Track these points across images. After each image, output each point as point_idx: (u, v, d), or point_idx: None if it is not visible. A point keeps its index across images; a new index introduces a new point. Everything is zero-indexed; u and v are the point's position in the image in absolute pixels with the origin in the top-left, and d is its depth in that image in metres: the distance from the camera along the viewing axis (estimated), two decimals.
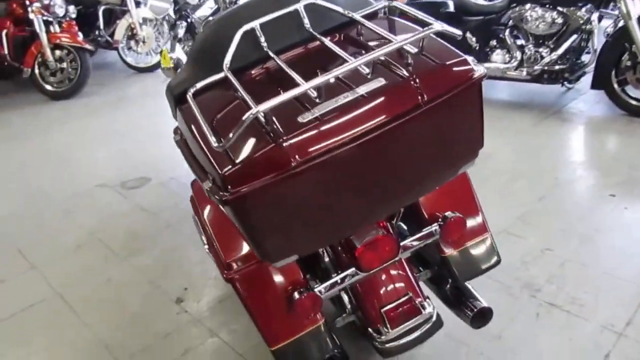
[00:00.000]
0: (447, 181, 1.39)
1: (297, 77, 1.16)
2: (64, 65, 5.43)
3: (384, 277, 1.53)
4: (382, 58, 1.23)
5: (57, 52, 5.40)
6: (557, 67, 3.78)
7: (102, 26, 6.06)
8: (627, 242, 2.40)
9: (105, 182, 3.60)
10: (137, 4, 5.82)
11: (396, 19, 1.46)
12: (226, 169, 1.09)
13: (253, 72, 1.39)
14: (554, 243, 2.43)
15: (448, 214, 1.51)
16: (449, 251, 1.59)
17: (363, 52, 1.15)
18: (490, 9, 4.03)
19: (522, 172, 3.08)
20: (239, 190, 1.08)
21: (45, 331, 2.30)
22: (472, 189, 1.64)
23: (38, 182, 3.76)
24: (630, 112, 3.59)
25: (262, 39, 1.36)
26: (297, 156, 1.09)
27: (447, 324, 1.67)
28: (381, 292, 1.52)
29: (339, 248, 1.51)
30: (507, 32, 3.95)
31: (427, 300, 1.55)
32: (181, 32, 4.56)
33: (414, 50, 1.17)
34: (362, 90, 1.17)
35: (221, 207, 1.17)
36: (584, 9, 3.63)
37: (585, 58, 3.82)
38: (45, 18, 5.27)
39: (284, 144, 1.09)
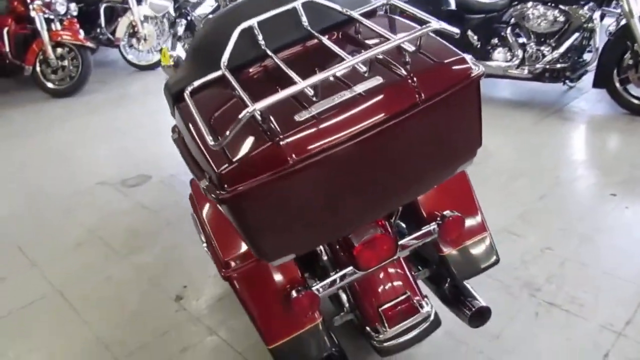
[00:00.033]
0: (445, 180, 1.39)
1: (294, 76, 1.15)
2: (65, 63, 5.43)
3: (382, 275, 1.53)
4: (380, 56, 1.23)
5: (59, 50, 5.39)
6: (558, 65, 3.76)
7: (103, 24, 6.05)
8: (627, 242, 2.39)
9: (105, 179, 3.60)
10: (139, 2, 5.81)
11: (395, 17, 1.45)
12: (223, 168, 1.09)
13: (251, 70, 1.39)
14: (554, 242, 2.43)
15: (447, 212, 1.50)
16: (448, 250, 1.59)
17: (361, 50, 1.14)
18: (492, 7, 4.01)
19: (523, 171, 3.07)
20: (236, 189, 1.07)
21: (45, 328, 2.31)
22: (471, 188, 1.63)
23: (39, 180, 3.77)
24: (632, 110, 3.58)
25: (260, 37, 1.36)
26: (293, 155, 1.08)
27: (446, 322, 1.67)
28: (379, 290, 1.52)
29: (337, 247, 1.51)
30: (508, 30, 3.93)
31: (425, 299, 1.55)
32: (181, 30, 4.55)
33: (411, 48, 1.16)
34: (360, 88, 1.16)
35: (218, 205, 1.17)
36: (586, 7, 3.62)
37: (587, 56, 3.80)
38: (46, 16, 5.25)
39: (281, 143, 1.09)
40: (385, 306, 1.50)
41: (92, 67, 5.55)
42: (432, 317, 1.52)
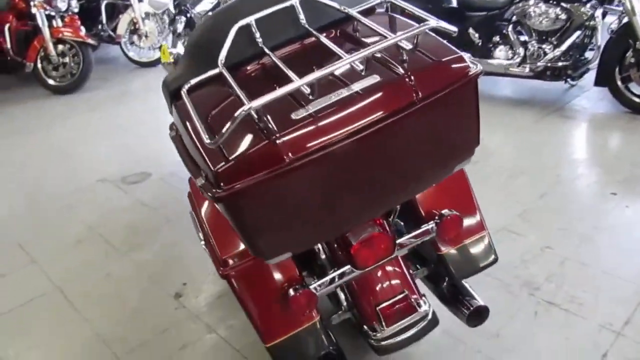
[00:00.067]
0: (443, 179, 1.38)
1: (291, 74, 1.15)
2: (67, 59, 5.43)
3: (379, 274, 1.53)
4: (378, 55, 1.23)
5: (60, 47, 5.39)
6: (560, 63, 3.75)
7: (104, 21, 6.06)
8: (627, 241, 2.39)
9: (106, 177, 3.60)
10: None
11: (394, 15, 1.45)
12: (219, 166, 1.09)
13: (248, 68, 1.39)
14: (554, 241, 2.42)
15: (445, 211, 1.50)
16: (446, 249, 1.59)
17: (359, 48, 1.14)
18: (494, 5, 4.00)
19: (524, 170, 3.06)
20: (232, 187, 1.07)
21: (45, 326, 2.31)
22: (469, 187, 1.63)
23: (39, 177, 3.77)
24: (633, 109, 3.57)
25: (258, 35, 1.35)
26: (290, 153, 1.08)
27: (444, 321, 1.67)
28: (377, 289, 1.52)
29: (335, 245, 1.51)
30: (510, 28, 3.92)
31: (423, 298, 1.54)
32: (180, 27, 4.55)
33: (409, 46, 1.16)
34: (357, 87, 1.16)
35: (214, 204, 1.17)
36: (588, 5, 3.60)
37: (588, 55, 3.79)
38: (47, 12, 5.25)
39: (278, 141, 1.09)
40: (383, 305, 1.50)
41: (93, 64, 5.55)
42: (429, 316, 1.52)
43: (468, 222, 1.59)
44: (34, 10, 5.22)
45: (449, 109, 1.20)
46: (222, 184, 1.08)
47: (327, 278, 1.44)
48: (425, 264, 1.72)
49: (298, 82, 1.07)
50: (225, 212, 1.14)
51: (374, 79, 1.16)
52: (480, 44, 4.06)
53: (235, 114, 1.03)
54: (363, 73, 1.16)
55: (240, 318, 2.15)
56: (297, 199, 1.15)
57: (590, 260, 2.28)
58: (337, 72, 1.17)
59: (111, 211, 3.18)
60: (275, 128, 1.11)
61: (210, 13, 2.65)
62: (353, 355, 1.77)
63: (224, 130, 1.05)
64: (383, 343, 1.50)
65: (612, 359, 1.82)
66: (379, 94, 1.14)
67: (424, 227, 1.51)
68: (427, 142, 1.22)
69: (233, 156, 1.09)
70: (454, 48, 1.22)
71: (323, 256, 1.60)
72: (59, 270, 2.66)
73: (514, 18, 3.91)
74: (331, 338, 1.52)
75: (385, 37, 1.17)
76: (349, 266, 1.43)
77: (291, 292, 1.40)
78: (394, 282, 1.53)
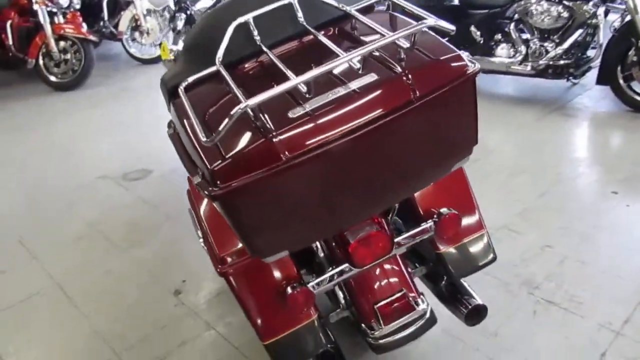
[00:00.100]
0: (440, 178, 1.38)
1: (287, 72, 1.15)
2: (68, 56, 5.44)
3: (378, 272, 1.53)
4: (377, 53, 1.22)
5: (61, 43, 5.40)
6: (562, 61, 3.74)
7: (106, 17, 6.06)
8: (628, 240, 2.38)
9: (107, 173, 3.60)
10: None
11: (393, 13, 1.44)
12: (215, 164, 1.09)
13: (246, 66, 1.38)
14: (554, 240, 2.41)
15: (443, 210, 1.50)
16: (444, 248, 1.59)
17: (356, 46, 1.13)
18: (496, 3, 3.98)
19: (524, 168, 3.05)
20: (228, 186, 1.07)
21: (45, 322, 2.32)
22: (468, 186, 1.63)
23: (41, 174, 3.78)
24: (635, 108, 3.56)
25: (255, 33, 1.35)
26: (287, 151, 1.08)
27: (443, 319, 1.67)
28: (375, 287, 1.52)
29: (333, 243, 1.51)
30: (512, 26, 3.90)
31: (422, 296, 1.54)
32: (180, 24, 4.54)
33: (406, 45, 1.15)
34: (354, 85, 1.15)
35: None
36: (590, 3, 3.59)
37: (590, 53, 3.77)
38: (49, 9, 5.26)
39: (274, 139, 1.09)
40: (381, 303, 1.49)
41: (95, 61, 5.56)
42: (427, 315, 1.52)
43: (467, 220, 1.58)
44: (35, 6, 5.23)
45: (447, 107, 1.19)
46: (218, 182, 1.08)
47: (325, 276, 1.44)
48: (423, 262, 1.72)
49: (294, 81, 1.07)
50: (222, 211, 1.14)
51: (372, 77, 1.16)
52: (482, 41, 4.04)
53: (232, 112, 1.02)
54: (360, 71, 1.16)
55: (239, 315, 2.15)
56: (294, 198, 1.14)
57: (590, 259, 2.28)
58: (334, 71, 1.16)
59: (112, 208, 3.18)
60: (272, 126, 1.11)
61: (210, 11, 2.64)
62: (351, 353, 1.77)
63: (220, 128, 1.05)
64: (381, 341, 1.49)
65: (611, 358, 1.82)
66: (377, 93, 1.14)
67: (423, 226, 1.50)
68: (424, 141, 1.22)
69: (230, 154, 1.09)
70: (452, 47, 1.22)
71: (321, 254, 1.60)
72: (59, 267, 2.66)
73: (516, 16, 3.90)
74: (329, 336, 1.52)
75: (383, 36, 1.17)
76: (346, 264, 1.43)
77: (289, 290, 1.40)
78: (392, 280, 1.53)
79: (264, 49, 1.33)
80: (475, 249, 1.61)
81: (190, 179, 1.73)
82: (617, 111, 3.64)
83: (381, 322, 1.48)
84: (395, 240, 1.46)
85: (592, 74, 3.73)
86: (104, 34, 6.15)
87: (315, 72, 1.06)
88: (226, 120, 1.04)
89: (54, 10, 5.30)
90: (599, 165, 3.07)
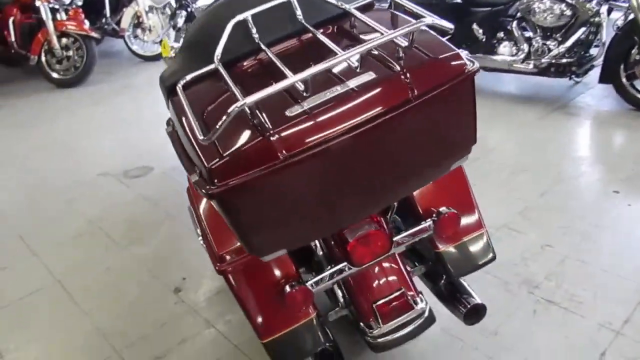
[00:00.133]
0: (438, 177, 1.38)
1: (285, 70, 1.14)
2: (70, 53, 5.44)
3: (376, 271, 1.53)
4: (375, 52, 1.22)
5: (64, 40, 5.40)
6: (564, 60, 3.72)
7: (108, 14, 6.06)
8: (629, 240, 2.37)
9: (108, 170, 3.61)
10: None
11: (393, 11, 1.43)
12: (212, 162, 1.08)
13: (245, 64, 1.38)
14: (554, 239, 2.41)
15: (442, 209, 1.49)
16: (444, 247, 1.58)
17: (355, 44, 1.13)
18: (498, 0, 3.96)
19: (525, 166, 3.05)
20: (225, 184, 1.07)
21: (45, 318, 2.33)
22: (468, 185, 1.62)
23: (42, 170, 3.78)
24: (638, 107, 3.54)
25: (254, 31, 1.35)
26: (284, 150, 1.08)
27: (442, 318, 1.67)
28: (374, 286, 1.52)
29: (332, 242, 1.50)
30: (514, 24, 3.88)
31: (420, 295, 1.54)
32: (181, 21, 4.54)
33: (404, 43, 1.14)
34: (352, 83, 1.15)
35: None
36: (593, 1, 3.57)
37: (593, 51, 3.76)
38: (51, 5, 5.26)
39: (271, 138, 1.08)
40: (380, 302, 1.49)
41: (97, 58, 5.56)
42: (426, 314, 1.51)
43: (466, 219, 1.58)
44: (38, 3, 5.23)
45: (446, 106, 1.19)
46: (215, 181, 1.07)
47: (324, 275, 1.44)
48: (423, 261, 1.72)
49: (292, 79, 1.06)
50: (219, 209, 1.14)
51: (370, 76, 1.16)
52: (484, 39, 4.03)
53: (229, 110, 1.02)
54: (358, 70, 1.15)
55: (239, 313, 2.13)
56: (291, 196, 1.14)
57: (591, 258, 2.27)
58: (332, 69, 1.16)
59: (112, 205, 3.18)
60: (270, 124, 1.10)
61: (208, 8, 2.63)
62: (350, 352, 1.78)
63: (217, 126, 1.05)
64: (379, 340, 1.49)
65: (611, 358, 1.81)
66: (374, 91, 1.14)
67: (422, 225, 1.50)
68: (423, 140, 1.22)
69: (227, 153, 1.08)
70: (451, 45, 1.21)
71: (320, 253, 1.59)
72: (59, 264, 2.67)
73: (519, 14, 3.88)
74: (328, 334, 1.52)
75: (382, 34, 1.16)
76: (345, 263, 1.43)
77: (287, 288, 1.40)
78: (390, 279, 1.53)
79: (263, 47, 1.33)
80: (474, 248, 1.60)
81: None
82: (619, 110, 3.62)
83: (380, 320, 1.48)
84: (394, 239, 1.46)
85: (595, 73, 3.71)
86: (106, 31, 6.15)
87: (312, 70, 1.06)
88: (223, 118, 1.03)
89: (56, 6, 5.30)
90: (600, 164, 3.06)
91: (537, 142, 3.35)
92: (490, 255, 1.62)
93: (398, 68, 1.16)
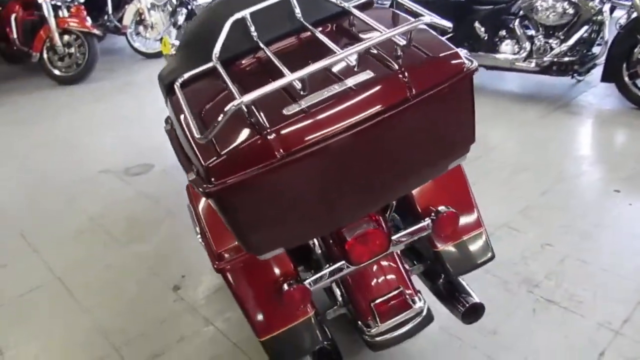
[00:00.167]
0: (437, 176, 1.37)
1: (283, 68, 1.14)
2: (72, 50, 5.44)
3: (375, 270, 1.53)
4: (374, 50, 1.21)
5: (66, 37, 5.41)
6: (566, 58, 3.71)
7: (110, 11, 6.07)
8: (629, 239, 2.36)
9: (109, 168, 3.61)
10: None
11: (391, 10, 1.43)
12: (209, 161, 1.08)
13: (243, 62, 1.38)
14: (554, 238, 2.40)
15: (441, 208, 1.49)
16: (442, 246, 1.58)
17: (353, 43, 1.12)
18: None
19: (526, 165, 3.04)
20: (222, 183, 1.07)
21: (45, 315, 2.33)
22: (467, 183, 1.62)
23: (43, 167, 3.79)
24: None
25: (253, 29, 1.34)
26: (281, 149, 1.07)
27: (441, 317, 1.67)
28: (372, 285, 1.52)
29: (330, 240, 1.50)
30: (516, 22, 3.87)
31: (418, 294, 1.54)
32: (181, 19, 4.53)
33: (402, 42, 1.14)
34: (350, 82, 1.15)
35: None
36: (596, 0, 3.56)
37: (596, 50, 3.74)
38: (53, 2, 5.27)
39: (268, 136, 1.08)
40: (378, 301, 1.49)
41: (99, 55, 5.56)
42: (424, 313, 1.51)
43: (465, 218, 1.58)
44: (40, 0, 5.22)
45: (444, 105, 1.18)
46: (212, 179, 1.07)
47: (322, 273, 1.44)
48: (421, 260, 1.71)
49: (289, 77, 1.06)
50: (216, 207, 1.14)
51: (368, 74, 1.15)
52: (486, 38, 4.01)
53: (225, 109, 1.02)
54: (356, 68, 1.15)
55: (238, 311, 2.11)
56: (288, 195, 1.14)
57: (591, 258, 2.27)
58: (330, 68, 1.16)
59: (113, 202, 3.19)
60: (267, 123, 1.10)
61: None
62: (349, 350, 1.77)
63: (214, 124, 1.04)
64: (377, 339, 1.49)
65: (610, 358, 1.81)
66: (372, 90, 1.13)
67: (420, 224, 1.50)
68: (421, 139, 1.21)
69: (224, 151, 1.08)
70: (449, 44, 1.21)
71: (319, 251, 1.59)
72: (59, 261, 2.67)
73: (521, 12, 3.86)
74: (326, 333, 1.52)
75: (380, 32, 1.16)
76: (343, 262, 1.43)
77: (285, 286, 1.40)
78: (389, 278, 1.53)
79: (261, 45, 1.33)
80: (473, 247, 1.60)
81: None
82: (622, 109, 3.61)
83: (377, 319, 1.48)
84: (393, 237, 1.45)
85: (597, 71, 3.69)
86: (108, 28, 6.15)
87: (309, 69, 1.05)
88: (220, 116, 1.03)
89: (58, 3, 5.31)
90: (602, 163, 3.05)
91: (538, 140, 3.34)
92: (489, 254, 1.62)
93: (396, 67, 1.16)
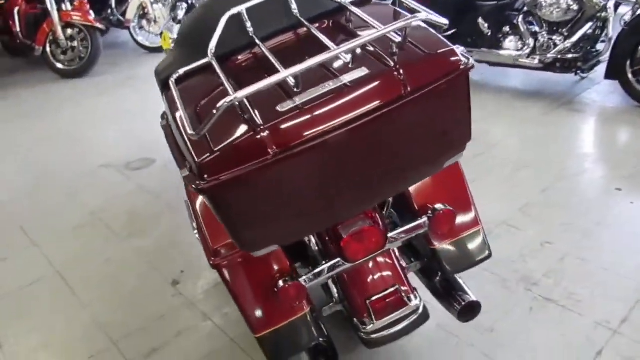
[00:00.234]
0: (432, 174, 1.36)
1: (278, 65, 1.13)
2: (75, 43, 5.45)
3: (371, 267, 1.52)
4: (370, 47, 1.20)
5: (69, 31, 5.41)
6: (570, 55, 3.69)
7: (113, 5, 6.06)
8: (630, 238, 2.35)
9: (111, 162, 3.62)
10: None
11: (389, 6, 1.42)
12: (202, 157, 1.08)
13: (239, 58, 1.37)
14: (554, 237, 2.39)
15: (438, 206, 1.48)
16: (439, 243, 1.57)
17: (350, 39, 1.11)
18: None
19: (528, 163, 3.02)
20: (215, 179, 1.06)
21: (45, 309, 2.34)
22: (464, 181, 1.61)
23: (46, 161, 3.80)
24: None
25: (249, 25, 1.34)
26: (274, 146, 1.07)
27: (438, 314, 1.66)
28: (368, 282, 1.51)
29: (326, 237, 1.50)
30: (520, 18, 3.85)
31: (415, 292, 1.53)
32: (181, 13, 4.53)
33: (397, 39, 1.13)
34: (345, 79, 1.14)
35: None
36: None
37: (600, 47, 3.71)
38: None
39: (262, 133, 1.07)
40: (373, 298, 1.48)
41: (102, 49, 5.57)
42: (420, 310, 1.50)
43: (462, 216, 1.57)
44: None
45: (439, 103, 1.17)
46: (205, 176, 1.07)
47: (317, 270, 1.44)
48: (418, 257, 1.71)
49: (283, 74, 1.05)
50: (209, 204, 1.13)
51: (363, 71, 1.14)
52: (489, 34, 3.99)
53: (218, 105, 1.01)
54: (351, 65, 1.14)
55: (235, 307, 2.13)
56: (282, 192, 1.13)
57: (591, 256, 2.26)
58: (325, 64, 1.15)
59: (114, 197, 3.19)
60: (261, 120, 1.09)
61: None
62: (345, 347, 1.77)
63: (207, 121, 1.04)
64: (372, 336, 1.49)
65: (607, 357, 1.80)
66: (367, 87, 1.12)
67: (417, 222, 1.49)
68: (416, 137, 1.20)
69: (217, 148, 1.08)
70: (446, 41, 1.19)
71: (315, 248, 1.59)
72: (59, 255, 2.68)
73: (525, 8, 3.84)
74: (322, 330, 1.52)
75: (376, 29, 1.15)
76: (339, 259, 1.43)
77: (280, 283, 1.40)
78: (385, 275, 1.52)
79: (257, 41, 1.32)
80: (470, 245, 1.59)
81: None
82: (625, 106, 3.58)
83: (373, 317, 1.47)
84: (389, 235, 1.45)
85: (601, 68, 3.67)
86: (111, 22, 6.15)
87: (303, 65, 1.05)
88: (213, 112, 1.02)
89: None
90: (604, 161, 3.03)
91: (540, 138, 3.32)
92: (486, 252, 1.61)
93: (392, 63, 1.15)
